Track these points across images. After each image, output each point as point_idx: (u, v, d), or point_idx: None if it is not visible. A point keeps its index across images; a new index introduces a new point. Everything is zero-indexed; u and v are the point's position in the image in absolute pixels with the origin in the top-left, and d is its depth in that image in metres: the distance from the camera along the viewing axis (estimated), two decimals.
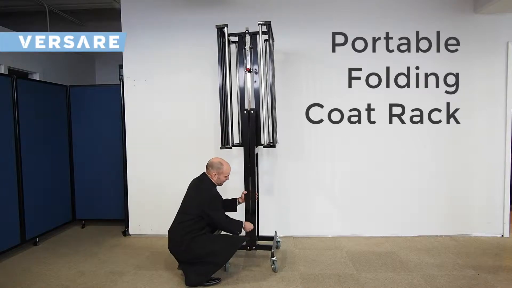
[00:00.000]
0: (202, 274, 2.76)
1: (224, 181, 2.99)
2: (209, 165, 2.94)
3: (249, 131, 3.05)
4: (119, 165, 4.15)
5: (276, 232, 3.51)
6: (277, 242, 3.53)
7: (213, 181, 2.94)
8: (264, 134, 3.12)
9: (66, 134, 4.29)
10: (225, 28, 3.08)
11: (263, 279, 2.88)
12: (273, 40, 3.43)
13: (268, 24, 3.04)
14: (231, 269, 3.06)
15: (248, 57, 3.16)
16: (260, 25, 3.00)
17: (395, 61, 3.79)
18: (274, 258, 3.02)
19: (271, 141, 3.15)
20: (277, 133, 3.38)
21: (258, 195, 3.25)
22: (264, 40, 3.21)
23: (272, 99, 3.24)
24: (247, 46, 3.13)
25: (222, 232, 3.13)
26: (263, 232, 3.62)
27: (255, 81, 3.15)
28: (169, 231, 2.92)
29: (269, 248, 3.13)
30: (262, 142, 3.10)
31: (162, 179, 4.00)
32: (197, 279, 2.76)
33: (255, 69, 3.14)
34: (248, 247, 3.15)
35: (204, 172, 2.98)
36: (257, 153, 3.27)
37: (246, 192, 3.13)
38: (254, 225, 3.13)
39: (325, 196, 3.91)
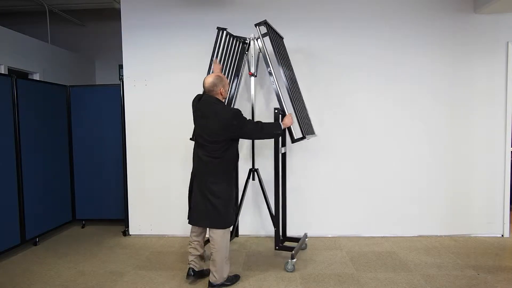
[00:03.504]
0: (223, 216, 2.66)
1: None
2: (212, 86, 2.65)
3: None
4: (119, 165, 4.16)
5: (306, 234, 3.53)
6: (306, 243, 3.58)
7: (222, 99, 2.72)
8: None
9: (66, 134, 4.29)
10: (225, 31, 3.14)
11: (263, 279, 2.89)
12: (281, 38, 3.40)
13: (265, 23, 3.05)
14: (231, 268, 3.06)
15: (253, 61, 3.22)
16: (258, 27, 3.03)
17: (396, 61, 3.79)
18: (294, 260, 3.03)
19: (299, 136, 3.07)
20: (307, 125, 3.20)
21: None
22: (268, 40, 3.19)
23: (293, 94, 3.13)
24: (250, 53, 3.18)
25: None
26: (261, 231, 3.62)
27: (272, 82, 3.17)
28: (197, 168, 2.72)
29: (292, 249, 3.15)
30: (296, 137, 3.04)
31: (162, 179, 4.00)
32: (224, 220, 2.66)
33: (269, 71, 3.12)
34: (277, 247, 3.14)
35: (207, 99, 2.68)
36: (285, 153, 3.27)
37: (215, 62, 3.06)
38: (279, 217, 3.09)
39: (325, 196, 3.91)
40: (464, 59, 3.77)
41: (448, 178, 3.85)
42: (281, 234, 3.26)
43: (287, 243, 3.39)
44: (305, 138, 3.01)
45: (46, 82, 4.09)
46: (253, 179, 3.49)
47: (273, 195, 3.11)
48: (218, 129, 2.60)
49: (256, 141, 3.67)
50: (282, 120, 2.92)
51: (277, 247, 3.14)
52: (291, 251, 3.06)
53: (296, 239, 3.43)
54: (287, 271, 3.01)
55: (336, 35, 3.81)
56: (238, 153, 2.82)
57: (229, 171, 2.73)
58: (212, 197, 2.65)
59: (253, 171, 3.48)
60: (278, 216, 3.15)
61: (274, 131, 2.83)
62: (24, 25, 5.90)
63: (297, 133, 2.97)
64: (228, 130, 2.61)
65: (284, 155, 3.20)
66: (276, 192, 3.14)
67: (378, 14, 3.79)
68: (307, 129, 3.13)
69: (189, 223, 2.78)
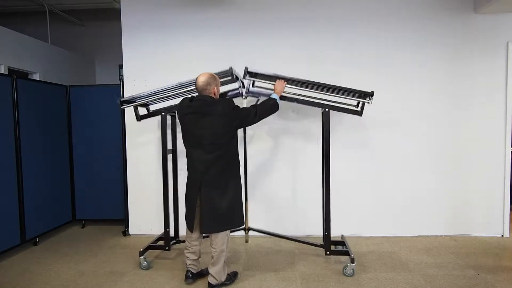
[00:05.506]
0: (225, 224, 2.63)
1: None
2: (206, 85, 2.59)
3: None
4: (119, 165, 4.16)
5: (343, 236, 3.51)
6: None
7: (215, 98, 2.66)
8: None
9: (66, 134, 4.29)
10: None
11: (263, 279, 2.89)
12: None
13: (248, 72, 2.95)
14: (231, 268, 3.06)
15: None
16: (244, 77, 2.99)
17: (396, 61, 3.79)
18: (354, 264, 2.94)
19: None
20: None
21: None
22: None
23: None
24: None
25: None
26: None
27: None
28: (202, 171, 2.58)
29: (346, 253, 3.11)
30: None
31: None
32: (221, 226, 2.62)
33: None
34: (328, 252, 3.08)
35: (202, 98, 2.60)
36: None
37: None
38: (330, 221, 3.06)
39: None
40: (464, 59, 3.77)
41: (448, 178, 3.84)
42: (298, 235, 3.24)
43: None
44: (368, 102, 3.04)
45: (46, 82, 4.10)
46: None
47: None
48: (222, 124, 2.55)
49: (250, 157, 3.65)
50: (276, 90, 2.86)
51: (328, 252, 3.06)
52: (349, 256, 2.96)
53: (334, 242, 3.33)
54: (346, 275, 2.92)
55: (336, 34, 3.81)
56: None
57: (236, 167, 2.71)
58: (226, 197, 2.60)
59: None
60: (329, 220, 3.10)
61: (269, 102, 2.76)
62: (24, 25, 5.89)
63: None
64: (231, 120, 2.58)
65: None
66: (327, 195, 3.09)
67: (378, 14, 3.79)
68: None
69: (203, 232, 2.70)
